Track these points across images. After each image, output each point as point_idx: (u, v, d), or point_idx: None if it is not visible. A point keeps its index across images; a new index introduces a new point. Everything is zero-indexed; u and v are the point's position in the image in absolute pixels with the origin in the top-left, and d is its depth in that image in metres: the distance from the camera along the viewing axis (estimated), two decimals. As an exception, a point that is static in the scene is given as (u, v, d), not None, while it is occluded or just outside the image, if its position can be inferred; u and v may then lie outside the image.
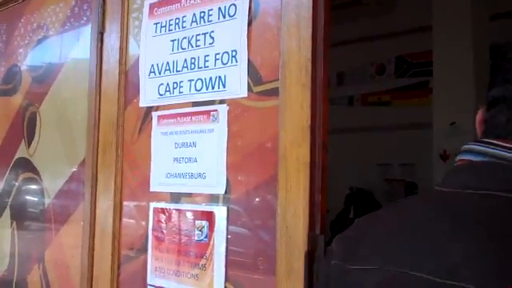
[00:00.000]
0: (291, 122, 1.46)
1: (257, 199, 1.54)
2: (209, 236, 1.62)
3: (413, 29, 7.23)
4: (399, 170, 9.72)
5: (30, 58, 2.48)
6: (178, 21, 1.80)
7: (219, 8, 1.68)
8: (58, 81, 2.30)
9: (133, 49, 1.96)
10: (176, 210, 1.73)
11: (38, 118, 2.38)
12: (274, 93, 1.52)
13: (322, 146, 1.44)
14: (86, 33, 2.15)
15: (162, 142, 1.80)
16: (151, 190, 1.82)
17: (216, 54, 1.68)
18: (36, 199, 2.32)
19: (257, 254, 1.53)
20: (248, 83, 1.59)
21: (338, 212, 8.65)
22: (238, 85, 1.61)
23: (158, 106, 1.84)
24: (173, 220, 1.74)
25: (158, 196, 1.80)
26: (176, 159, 1.75)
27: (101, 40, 2.04)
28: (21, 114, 2.47)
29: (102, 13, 2.05)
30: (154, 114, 1.84)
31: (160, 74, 1.84)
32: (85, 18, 2.20)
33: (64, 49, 2.30)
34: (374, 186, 9.10)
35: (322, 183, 1.43)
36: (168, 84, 1.81)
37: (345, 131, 10.02)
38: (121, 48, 1.97)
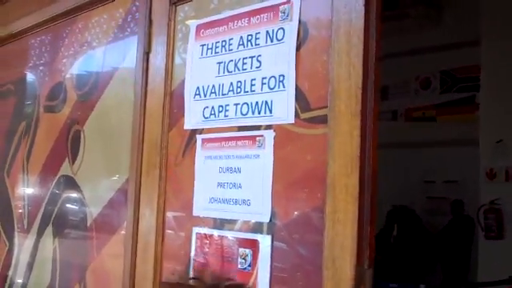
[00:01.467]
0: (340, 152, 1.41)
1: (303, 229, 1.50)
2: (252, 265, 1.58)
3: (459, 43, 7.08)
4: (443, 187, 9.50)
5: (76, 75, 2.50)
6: (224, 43, 1.78)
7: (267, 32, 1.65)
8: (102, 99, 2.31)
9: (178, 70, 1.95)
10: (219, 236, 1.70)
11: (82, 136, 2.39)
12: (322, 120, 1.48)
13: (371, 177, 1.39)
14: (132, 51, 2.14)
15: (206, 166, 1.78)
16: (194, 214, 1.79)
17: (263, 79, 1.65)
18: (78, 218, 2.33)
19: (302, 285, 1.48)
20: (295, 109, 1.55)
21: (380, 229, 8.51)
22: (285, 110, 1.57)
23: (202, 129, 1.82)
24: (216, 246, 1.71)
25: (200, 221, 1.77)
26: (220, 184, 1.72)
27: (147, 60, 2.03)
28: (65, 132, 2.48)
29: (149, 33, 2.04)
30: (199, 137, 1.82)
31: (205, 96, 1.82)
32: (128, 30, 2.20)
33: (109, 67, 2.30)
34: (416, 204, 8.92)
35: (371, 215, 1.38)
36: (213, 107, 1.78)
37: (388, 146, 9.86)
38: (166, 69, 1.96)
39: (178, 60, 1.96)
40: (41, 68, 2.76)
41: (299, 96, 1.55)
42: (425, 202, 9.31)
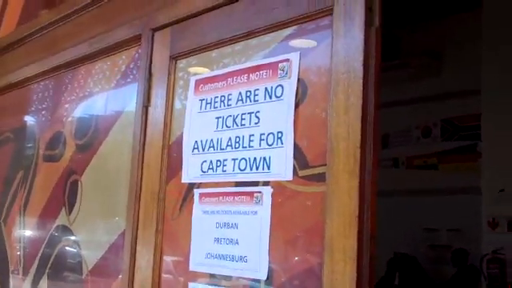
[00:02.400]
0: (338, 211, 1.40)
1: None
2: (249, 324, 1.55)
3: (460, 92, 7.11)
4: (446, 235, 9.40)
5: (76, 124, 2.50)
6: (223, 98, 1.79)
7: (265, 88, 1.65)
8: (101, 150, 2.31)
9: (177, 123, 1.95)
10: (215, 293, 1.67)
11: (79, 186, 2.37)
12: (320, 178, 1.47)
13: (370, 238, 1.37)
14: (132, 100, 2.14)
15: (203, 221, 1.76)
16: (190, 269, 1.77)
17: (261, 135, 1.64)
18: (73, 271, 2.29)
19: None
20: (293, 166, 1.54)
21: (381, 277, 8.39)
22: (283, 167, 1.57)
23: (200, 183, 1.81)
24: (212, 303, 1.67)
25: (197, 276, 1.75)
26: (217, 240, 1.70)
27: (146, 113, 2.04)
28: (63, 181, 2.47)
29: (148, 87, 2.05)
30: (196, 192, 1.81)
31: (204, 150, 1.81)
32: (131, 77, 2.21)
33: (109, 116, 2.31)
34: (418, 252, 8.81)
35: (369, 276, 1.36)
36: (211, 161, 1.78)
37: (389, 194, 9.81)
38: (165, 122, 1.97)
39: (176, 114, 1.96)
40: (40, 116, 2.77)
41: (297, 153, 1.54)
42: (427, 251, 9.22)
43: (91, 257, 2.22)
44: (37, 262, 2.54)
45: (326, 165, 1.46)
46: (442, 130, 8.50)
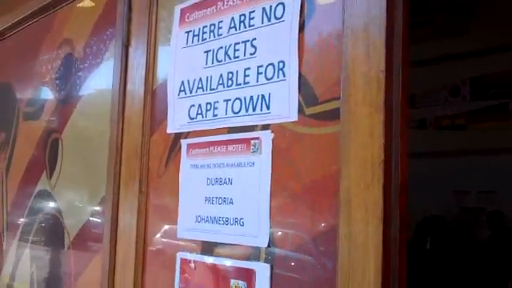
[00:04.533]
0: (357, 156, 1.08)
1: (310, 257, 1.16)
2: (247, 302, 1.24)
3: (490, 48, 6.72)
4: (477, 197, 9.07)
5: (55, 78, 2.19)
6: (213, 27, 1.46)
7: (263, 9, 1.32)
8: (81, 103, 2.00)
9: (162, 64, 1.62)
10: (207, 263, 1.36)
11: (60, 145, 2.07)
12: (333, 115, 1.15)
13: (399, 190, 1.05)
14: (111, 47, 1.83)
15: (192, 177, 1.45)
16: (178, 236, 1.46)
17: (259, 67, 1.31)
18: (56, 238, 2.00)
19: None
20: (299, 103, 1.21)
21: (408, 241, 8.09)
22: (285, 106, 1.24)
23: (188, 133, 1.49)
24: (203, 276, 1.37)
25: (186, 244, 1.44)
26: (208, 199, 1.39)
27: (126, 55, 1.71)
28: (43, 141, 2.17)
29: (128, 23, 1.72)
30: (183, 142, 1.49)
31: (191, 92, 1.49)
32: (110, 30, 1.88)
33: (88, 67, 1.99)
34: (448, 215, 8.49)
35: (400, 241, 1.03)
36: (200, 105, 1.46)
37: (416, 156, 9.48)
38: (147, 64, 1.64)
39: (161, 53, 1.64)
40: (19, 73, 2.45)
41: (304, 87, 1.21)
42: (458, 214, 8.89)
43: (73, 224, 1.93)
44: (20, 229, 2.26)
45: (339, 98, 1.13)
46: (471, 89, 8.09)
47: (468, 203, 8.78)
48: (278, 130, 1.25)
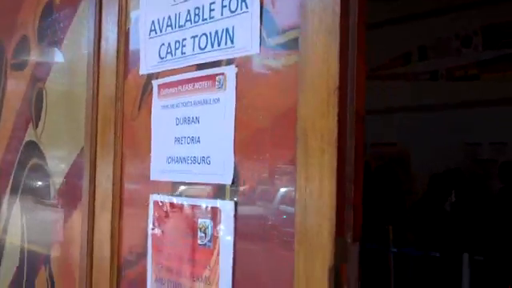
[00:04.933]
0: (314, 84, 1.04)
1: (271, 191, 1.13)
2: (213, 240, 1.23)
3: (501, -5, 6.57)
4: (489, 149, 8.97)
5: (37, 28, 2.15)
6: (180, -38, 1.41)
7: None
8: (61, 52, 1.97)
9: (134, 6, 1.58)
10: (176, 204, 1.35)
11: (44, 95, 2.05)
12: (293, 45, 1.11)
13: (355, 118, 1.01)
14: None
15: (163, 118, 1.42)
16: (152, 178, 1.44)
17: (223, 0, 1.27)
18: (43, 189, 2.00)
19: (272, 267, 1.12)
20: (260, 34, 1.17)
21: (423, 193, 8.06)
22: (248, 38, 1.20)
23: (158, 73, 1.46)
24: (173, 217, 1.36)
25: (158, 186, 1.42)
26: (177, 139, 1.36)
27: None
28: (29, 91, 2.15)
29: (100, -38, 1.68)
30: (155, 83, 1.47)
31: (161, 31, 1.45)
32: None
33: (67, 13, 1.95)
34: (462, 167, 8.42)
35: (355, 169, 1.00)
36: (169, 44, 1.42)
37: (428, 108, 9.37)
38: (120, 4, 1.60)
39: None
40: (5, 24, 2.42)
41: (265, 17, 1.17)
42: (470, 166, 8.80)
43: (58, 173, 1.92)
44: (11, 182, 2.27)
45: (299, 27, 1.09)
46: (483, 39, 7.93)
47: (480, 155, 8.71)
48: (242, 64, 1.21)
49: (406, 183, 8.30)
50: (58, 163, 1.95)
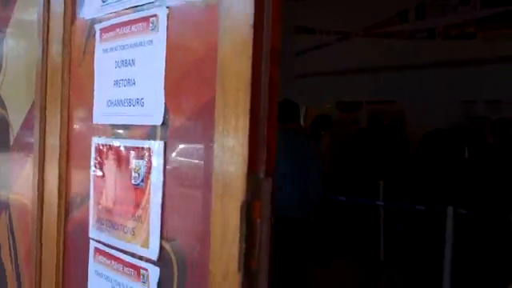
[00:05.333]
0: (232, 22, 1.04)
1: (196, 131, 1.15)
2: (145, 180, 1.25)
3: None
4: (485, 107, 8.98)
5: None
6: None
7: None
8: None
9: None
10: (114, 146, 1.37)
11: (4, 44, 2.05)
12: (217, -15, 1.10)
13: (270, 55, 1.01)
14: None
15: (104, 62, 1.43)
16: (94, 121, 1.46)
17: None
18: (4, 138, 2.02)
19: (196, 204, 1.14)
20: (188, -25, 1.17)
21: (417, 150, 8.10)
22: (178, -21, 1.19)
23: (101, 17, 1.45)
24: (112, 159, 1.37)
25: (100, 129, 1.44)
26: (116, 82, 1.37)
27: None
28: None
29: None
30: (97, 27, 1.46)
31: (103, -26, 1.45)
32: None
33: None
34: (458, 125, 8.43)
35: (270, 107, 1.01)
36: (110, -15, 1.42)
37: (425, 67, 9.32)
38: None
39: None
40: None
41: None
42: (466, 123, 8.80)
43: (16, 121, 1.93)
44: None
45: (222, -34, 1.08)
46: (482, -4, 7.84)
47: (476, 113, 8.70)
48: (173, 5, 1.21)
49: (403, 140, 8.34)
50: (15, 113, 1.96)
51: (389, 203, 6.75)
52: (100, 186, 1.41)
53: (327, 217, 8.53)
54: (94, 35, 1.47)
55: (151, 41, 1.26)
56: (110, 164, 1.38)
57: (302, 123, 11.11)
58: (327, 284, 6.50)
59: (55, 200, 1.56)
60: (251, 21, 1.00)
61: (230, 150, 1.01)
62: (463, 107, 8.98)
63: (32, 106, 1.81)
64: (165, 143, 1.20)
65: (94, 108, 1.45)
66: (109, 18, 1.42)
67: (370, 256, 7.53)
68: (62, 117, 1.57)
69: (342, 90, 10.35)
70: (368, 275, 7.10)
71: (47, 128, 1.64)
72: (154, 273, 1.21)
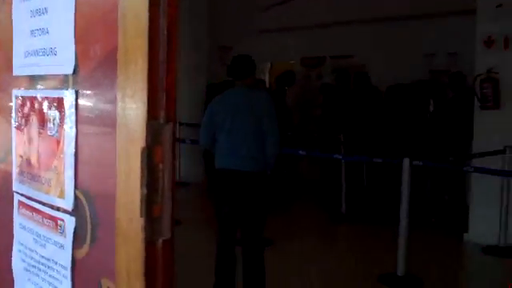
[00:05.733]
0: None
1: (104, 78, 1.13)
2: (59, 130, 1.24)
3: None
4: (445, 59, 9.07)
5: None
6: None
7: None
8: None
9: None
10: (32, 97, 1.35)
11: None
12: None
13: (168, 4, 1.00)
14: None
15: (21, 11, 1.39)
16: (14, 73, 1.43)
17: None
18: None
19: (105, 153, 1.14)
20: None
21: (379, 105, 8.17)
22: None
23: (17, -36, 1.42)
24: (30, 111, 1.36)
25: (19, 81, 1.42)
26: (32, 32, 1.34)
27: None
28: None
29: None
30: (13, -24, 1.43)
31: None
32: None
33: None
34: (420, 78, 8.52)
35: (169, 50, 1.00)
36: None
37: (386, 20, 9.35)
38: None
39: None
40: None
41: None
42: (427, 76, 8.90)
43: None
44: None
45: None
46: None
47: (436, 66, 8.78)
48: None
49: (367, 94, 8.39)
50: None
51: (347, 157, 6.84)
52: (21, 138, 1.40)
53: (293, 171, 8.62)
54: (11, -16, 1.43)
55: (61, -13, 1.23)
56: (29, 116, 1.36)
57: (267, 79, 11.10)
58: (289, 234, 6.61)
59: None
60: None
61: (131, 96, 1.01)
62: (425, 60, 9.06)
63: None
64: (76, 92, 1.19)
65: (14, 60, 1.43)
66: (24, -36, 1.38)
67: (333, 208, 7.66)
68: (-16, 71, 1.54)
69: (306, 45, 10.33)
70: (330, 226, 7.23)
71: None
72: (70, 223, 1.21)
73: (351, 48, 9.79)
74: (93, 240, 1.16)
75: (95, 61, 1.15)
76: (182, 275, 5.16)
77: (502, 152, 6.12)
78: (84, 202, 1.18)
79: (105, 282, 1.12)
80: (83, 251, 1.18)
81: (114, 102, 1.08)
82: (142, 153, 0.98)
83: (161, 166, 1.00)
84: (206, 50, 10.50)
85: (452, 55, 8.78)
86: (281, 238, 6.24)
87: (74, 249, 1.20)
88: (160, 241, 1.00)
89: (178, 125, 8.37)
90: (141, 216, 0.99)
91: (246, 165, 4.16)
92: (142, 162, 0.98)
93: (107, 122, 1.12)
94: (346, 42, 9.81)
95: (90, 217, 1.16)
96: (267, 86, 10.31)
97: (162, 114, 1.00)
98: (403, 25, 9.27)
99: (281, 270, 5.20)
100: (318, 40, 10.06)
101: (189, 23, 9.94)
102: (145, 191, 0.98)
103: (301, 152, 6.56)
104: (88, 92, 1.17)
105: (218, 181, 4.38)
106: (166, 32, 0.99)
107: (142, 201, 0.98)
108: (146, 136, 0.98)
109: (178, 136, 9.40)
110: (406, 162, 4.87)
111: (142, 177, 0.98)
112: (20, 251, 1.40)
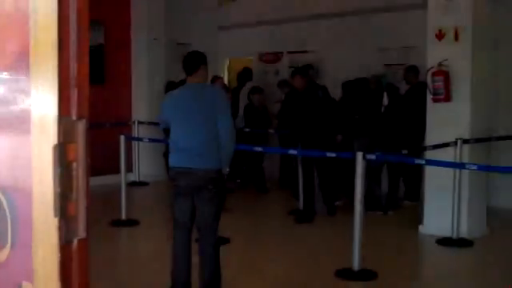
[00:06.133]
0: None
1: (17, 76, 1.10)
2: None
3: None
4: (399, 53, 9.18)
5: None
6: None
7: None
8: None
9: None
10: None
11: None
12: None
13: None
14: None
15: None
16: None
17: None
18: None
19: (23, 151, 1.11)
20: None
21: (340, 97, 8.24)
22: None
23: None
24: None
25: None
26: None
27: None
28: None
29: None
30: None
31: None
32: None
33: None
34: (374, 72, 8.61)
35: (79, 43, 0.98)
36: None
37: (340, 15, 9.43)
38: None
39: None
40: None
41: None
42: (382, 71, 9.00)
43: None
44: None
45: None
46: None
47: (392, 60, 8.89)
48: None
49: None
50: None
51: (302, 152, 6.88)
52: None
53: (254, 168, 8.63)
54: None
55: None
56: None
57: (225, 75, 11.08)
58: (246, 232, 6.61)
59: None
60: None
61: (42, 93, 0.99)
62: (379, 55, 9.16)
63: None
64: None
65: None
66: None
67: (291, 205, 7.68)
68: None
69: (263, 41, 10.34)
70: (288, 223, 7.24)
71: None
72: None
73: (308, 43, 9.84)
74: (13, 242, 1.13)
75: (9, 59, 1.12)
76: (139, 275, 5.08)
77: (454, 144, 6.21)
78: (4, 202, 1.15)
79: (26, 286, 1.09)
80: (4, 254, 1.15)
81: (28, 99, 1.05)
82: (54, 150, 0.96)
83: (74, 164, 0.98)
84: (164, 48, 10.39)
85: (407, 49, 8.89)
86: (238, 236, 6.23)
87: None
88: (75, 240, 0.98)
89: (136, 123, 8.21)
90: (55, 215, 0.97)
91: (198, 162, 4.14)
92: (54, 159, 0.96)
93: (23, 119, 1.09)
94: (302, 37, 9.86)
95: (11, 218, 1.13)
96: (225, 82, 10.29)
97: (74, 110, 0.98)
98: (359, 19, 9.35)
99: (237, 269, 5.19)
100: (276, 36, 10.08)
101: (146, 21, 9.86)
102: (58, 189, 0.96)
103: (256, 148, 6.57)
104: (2, 90, 1.14)
105: (172, 179, 4.35)
106: (76, 28, 0.97)
107: (55, 200, 0.96)
108: (58, 133, 0.96)
109: (136, 135, 9.31)
110: (360, 155, 4.91)
111: (54, 175, 0.96)
112: None
